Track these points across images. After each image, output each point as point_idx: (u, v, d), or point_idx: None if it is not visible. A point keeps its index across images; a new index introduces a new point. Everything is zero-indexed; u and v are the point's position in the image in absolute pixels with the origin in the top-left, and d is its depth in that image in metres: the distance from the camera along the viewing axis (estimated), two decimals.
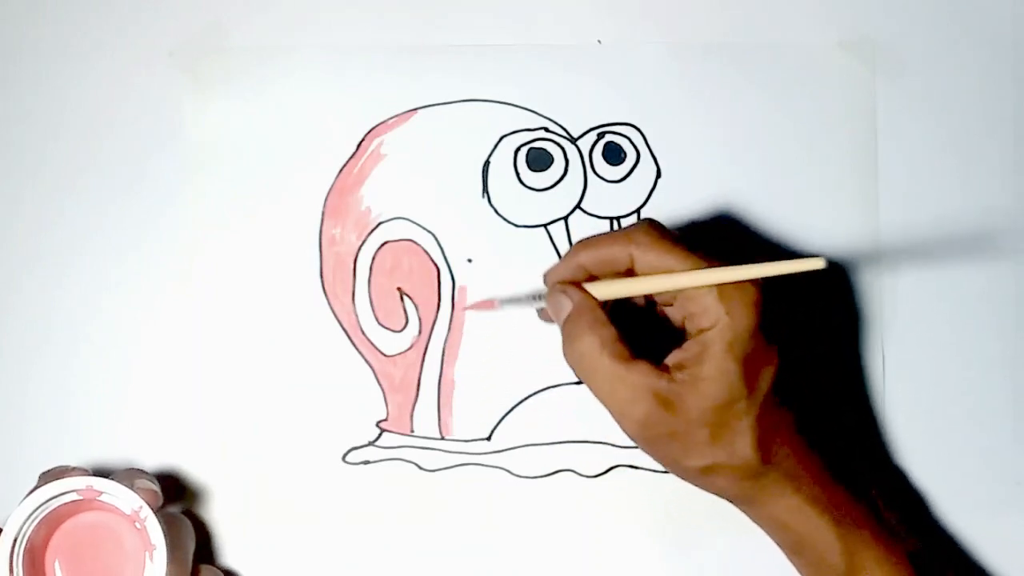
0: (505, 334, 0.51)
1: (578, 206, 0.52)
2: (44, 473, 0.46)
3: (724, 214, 0.52)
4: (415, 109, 0.52)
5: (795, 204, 0.52)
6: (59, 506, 0.44)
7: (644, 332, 0.44)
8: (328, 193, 0.51)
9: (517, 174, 0.52)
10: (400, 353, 0.51)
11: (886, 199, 0.52)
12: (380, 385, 0.51)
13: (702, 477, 0.42)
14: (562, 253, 0.51)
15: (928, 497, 0.52)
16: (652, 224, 0.43)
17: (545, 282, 0.46)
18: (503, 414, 0.51)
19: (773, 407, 0.42)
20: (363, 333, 0.51)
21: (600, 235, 0.44)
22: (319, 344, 0.51)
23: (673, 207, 0.52)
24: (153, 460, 0.50)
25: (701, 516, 0.51)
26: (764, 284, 0.41)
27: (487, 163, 0.52)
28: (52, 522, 0.45)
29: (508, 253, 0.52)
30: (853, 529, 0.43)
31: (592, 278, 0.44)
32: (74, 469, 0.45)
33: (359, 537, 0.50)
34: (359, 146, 0.52)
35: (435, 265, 0.51)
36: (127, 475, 0.46)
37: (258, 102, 0.51)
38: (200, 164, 0.51)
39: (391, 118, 0.52)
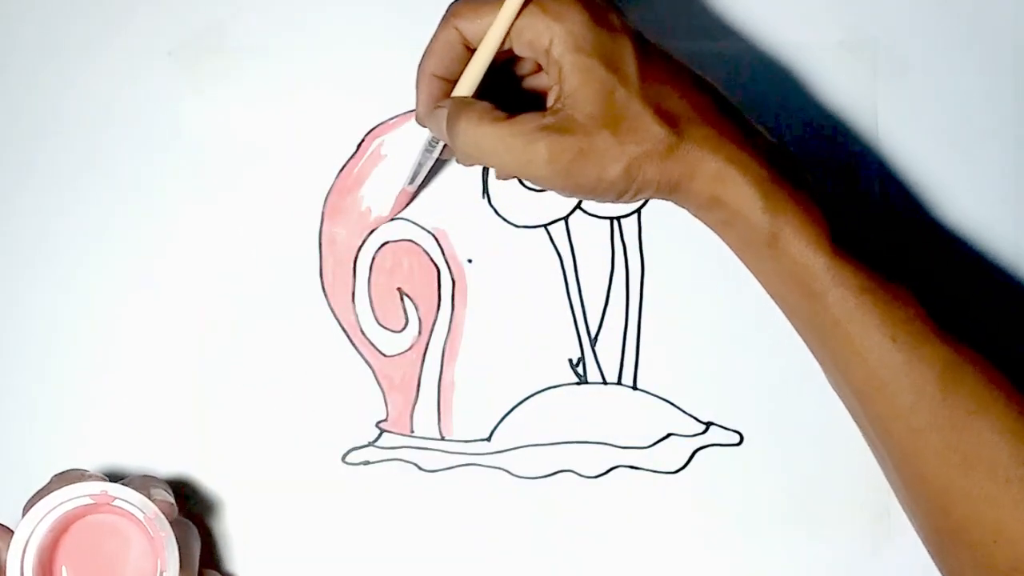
0: (505, 334, 0.51)
1: (578, 206, 0.52)
2: (58, 475, 0.45)
3: None
4: (415, 109, 0.51)
5: None
6: (71, 509, 0.44)
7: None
8: (328, 193, 0.51)
9: None
10: (400, 353, 0.51)
11: (887, 199, 0.52)
12: (380, 385, 0.51)
13: (630, 180, 0.42)
14: (562, 253, 0.51)
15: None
16: None
17: (419, 122, 0.46)
18: (503, 414, 0.51)
19: (655, 80, 0.42)
20: (363, 333, 0.51)
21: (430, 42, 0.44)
22: (319, 344, 0.51)
23: (674, 207, 0.51)
24: (151, 463, 0.50)
25: (701, 517, 0.51)
26: None
27: None
28: (63, 525, 0.45)
29: (508, 253, 0.51)
30: (774, 189, 0.42)
31: (451, 86, 0.44)
32: (89, 474, 0.45)
33: (358, 538, 0.50)
34: (359, 146, 0.51)
35: (435, 265, 0.51)
36: (142, 482, 0.46)
37: (258, 102, 0.51)
38: (199, 164, 0.51)
39: (391, 118, 0.52)
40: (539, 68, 0.45)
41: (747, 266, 0.44)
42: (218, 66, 0.51)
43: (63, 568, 0.45)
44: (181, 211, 0.51)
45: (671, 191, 0.42)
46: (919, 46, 0.52)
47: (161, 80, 0.51)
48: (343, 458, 0.51)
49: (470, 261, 0.51)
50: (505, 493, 0.51)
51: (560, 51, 0.41)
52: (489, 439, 0.51)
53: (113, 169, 0.51)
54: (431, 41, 0.44)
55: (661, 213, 0.52)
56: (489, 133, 0.41)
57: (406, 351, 0.51)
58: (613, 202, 0.43)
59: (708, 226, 0.44)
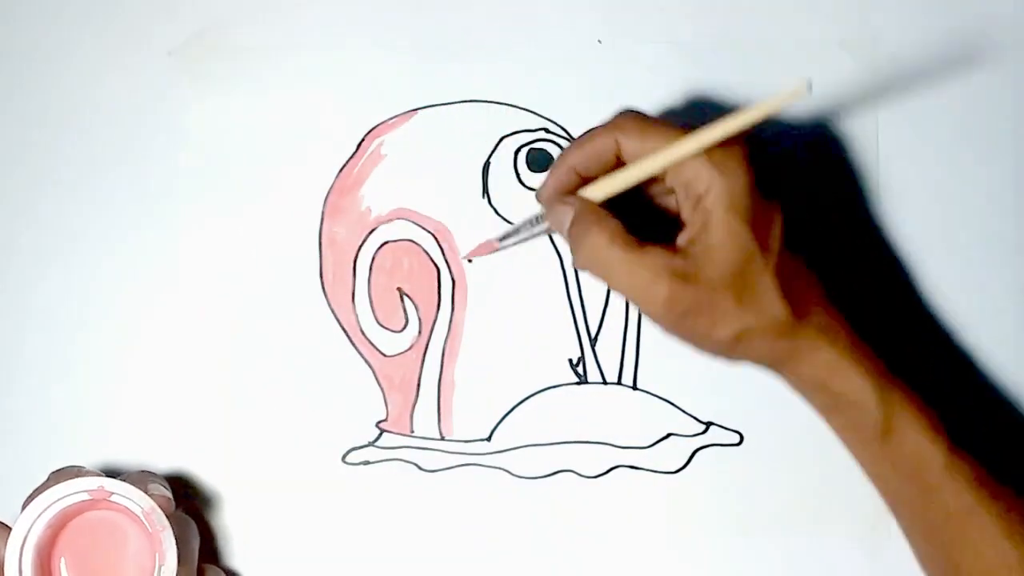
0: (505, 334, 0.51)
1: None
2: (55, 472, 0.45)
3: None
4: (415, 109, 0.52)
5: (795, 204, 0.52)
6: (69, 506, 0.44)
7: (648, 227, 0.43)
8: (328, 193, 0.51)
9: (517, 175, 0.52)
10: (400, 353, 0.51)
11: (886, 199, 0.52)
12: (380, 385, 0.51)
13: (737, 345, 0.42)
14: (562, 253, 0.51)
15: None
16: (633, 111, 0.43)
17: (540, 201, 0.46)
18: (503, 414, 0.51)
19: (789, 260, 0.42)
20: (363, 333, 0.51)
21: (583, 135, 0.44)
22: (319, 344, 0.51)
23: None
24: (152, 462, 0.50)
25: (701, 517, 0.51)
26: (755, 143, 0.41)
27: (487, 164, 0.51)
28: (61, 521, 0.45)
29: (508, 253, 0.51)
30: (888, 384, 0.42)
31: (584, 181, 0.44)
32: (86, 471, 0.45)
33: (358, 537, 0.50)
34: (359, 146, 0.51)
35: (435, 265, 0.51)
36: (139, 478, 0.46)
37: (257, 102, 0.51)
38: (199, 164, 0.51)
39: (391, 118, 0.52)
40: (672, 189, 0.44)
41: (852, 452, 0.45)
42: (218, 66, 0.51)
43: (62, 565, 0.45)
44: (180, 211, 0.51)
45: (775, 366, 0.43)
46: (919, 46, 0.52)
47: (161, 80, 0.51)
48: (343, 458, 0.51)
49: (470, 261, 0.51)
50: (505, 493, 0.51)
51: (713, 203, 0.41)
52: (489, 439, 0.51)
53: (112, 169, 0.51)
54: (585, 138, 0.43)
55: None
56: (617, 258, 0.41)
57: (406, 351, 0.51)
58: (712, 357, 0.43)
59: (809, 404, 0.44)
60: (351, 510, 0.50)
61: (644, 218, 0.44)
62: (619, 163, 0.43)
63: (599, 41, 0.52)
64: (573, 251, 0.43)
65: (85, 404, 0.50)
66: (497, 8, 0.52)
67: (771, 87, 0.52)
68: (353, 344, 0.51)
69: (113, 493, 0.44)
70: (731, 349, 0.42)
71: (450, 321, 0.51)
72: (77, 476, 0.44)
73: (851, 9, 0.52)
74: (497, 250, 0.51)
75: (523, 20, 0.52)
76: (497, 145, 0.51)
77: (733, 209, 0.41)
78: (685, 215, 0.42)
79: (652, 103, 0.52)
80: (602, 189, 0.43)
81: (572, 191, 0.44)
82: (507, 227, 0.49)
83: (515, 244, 0.50)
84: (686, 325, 0.42)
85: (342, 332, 0.51)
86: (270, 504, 0.50)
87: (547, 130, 0.52)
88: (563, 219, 0.43)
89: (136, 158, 0.51)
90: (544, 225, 0.46)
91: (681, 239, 0.42)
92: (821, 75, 0.52)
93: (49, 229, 0.51)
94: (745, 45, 0.52)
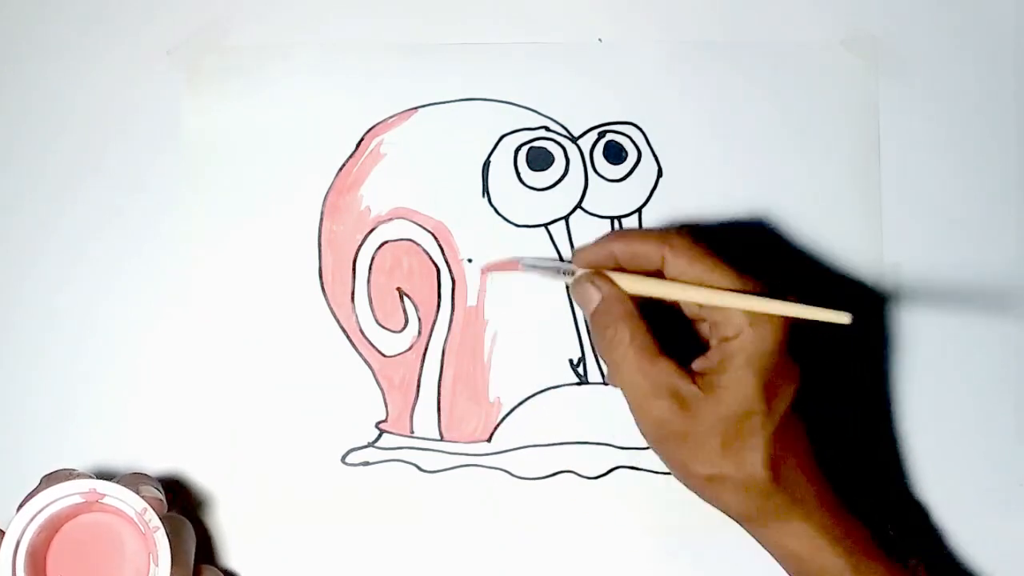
0: (505, 335, 0.51)
1: (579, 205, 0.52)
2: (47, 476, 0.45)
3: (725, 214, 0.52)
4: (415, 108, 0.51)
5: (796, 202, 0.52)
6: (61, 509, 0.44)
7: (668, 331, 0.44)
8: (327, 192, 0.51)
9: (517, 173, 0.51)
10: (400, 354, 0.51)
11: (888, 196, 0.52)
12: (380, 386, 0.51)
13: (708, 486, 0.42)
14: (563, 253, 0.51)
15: (931, 507, 0.51)
16: (689, 230, 0.43)
17: (573, 259, 0.46)
18: (503, 415, 0.51)
19: (789, 427, 0.42)
20: (362, 334, 0.51)
21: (636, 230, 0.44)
22: (319, 345, 0.51)
23: (675, 206, 0.51)
24: (152, 463, 0.50)
25: (701, 517, 0.50)
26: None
27: (487, 162, 0.51)
28: (54, 524, 0.45)
29: (508, 253, 0.51)
30: (864, 562, 0.42)
31: (618, 269, 0.44)
32: (78, 473, 0.45)
33: (359, 538, 0.50)
34: (358, 145, 0.51)
35: (435, 265, 0.51)
36: (132, 479, 0.46)
37: (257, 101, 0.51)
38: (198, 164, 0.51)
39: (391, 117, 0.51)
40: (703, 317, 0.44)
41: None
42: (217, 65, 0.51)
43: (56, 568, 0.45)
44: (179, 211, 0.51)
45: (747, 524, 0.43)
46: (920, 45, 0.52)
47: (160, 79, 0.51)
48: (343, 459, 0.50)
49: (470, 260, 0.51)
50: (505, 494, 0.51)
51: (735, 350, 0.41)
52: (489, 440, 0.51)
53: (112, 168, 0.51)
54: (635, 236, 0.44)
55: (661, 213, 0.52)
56: (629, 359, 0.42)
57: (406, 351, 0.51)
58: (684, 486, 0.44)
59: (786, 572, 0.44)
60: (351, 511, 0.50)
61: (667, 314, 0.44)
62: (658, 271, 0.43)
63: (600, 39, 0.52)
64: (593, 332, 0.44)
65: (79, 407, 0.50)
66: (497, 6, 0.52)
67: (771, 87, 0.52)
68: (353, 344, 0.51)
69: (105, 495, 0.44)
70: (702, 488, 0.43)
71: (450, 321, 0.51)
72: (69, 479, 0.44)
73: (853, 7, 0.52)
74: (519, 271, 0.50)
75: (523, 18, 0.52)
76: (497, 143, 0.51)
77: (752, 364, 0.41)
78: (708, 341, 0.43)
79: (653, 102, 0.52)
80: (636, 287, 0.43)
81: (605, 269, 0.44)
82: (536, 260, 0.50)
83: (535, 274, 0.50)
84: (667, 448, 0.42)
85: (342, 332, 0.51)
86: (269, 504, 0.50)
87: (547, 128, 0.51)
88: (589, 300, 0.44)
89: (134, 157, 0.51)
90: (568, 278, 0.46)
91: (695, 364, 0.43)
92: (821, 75, 0.52)
93: (44, 228, 0.51)
94: (745, 45, 0.52)
